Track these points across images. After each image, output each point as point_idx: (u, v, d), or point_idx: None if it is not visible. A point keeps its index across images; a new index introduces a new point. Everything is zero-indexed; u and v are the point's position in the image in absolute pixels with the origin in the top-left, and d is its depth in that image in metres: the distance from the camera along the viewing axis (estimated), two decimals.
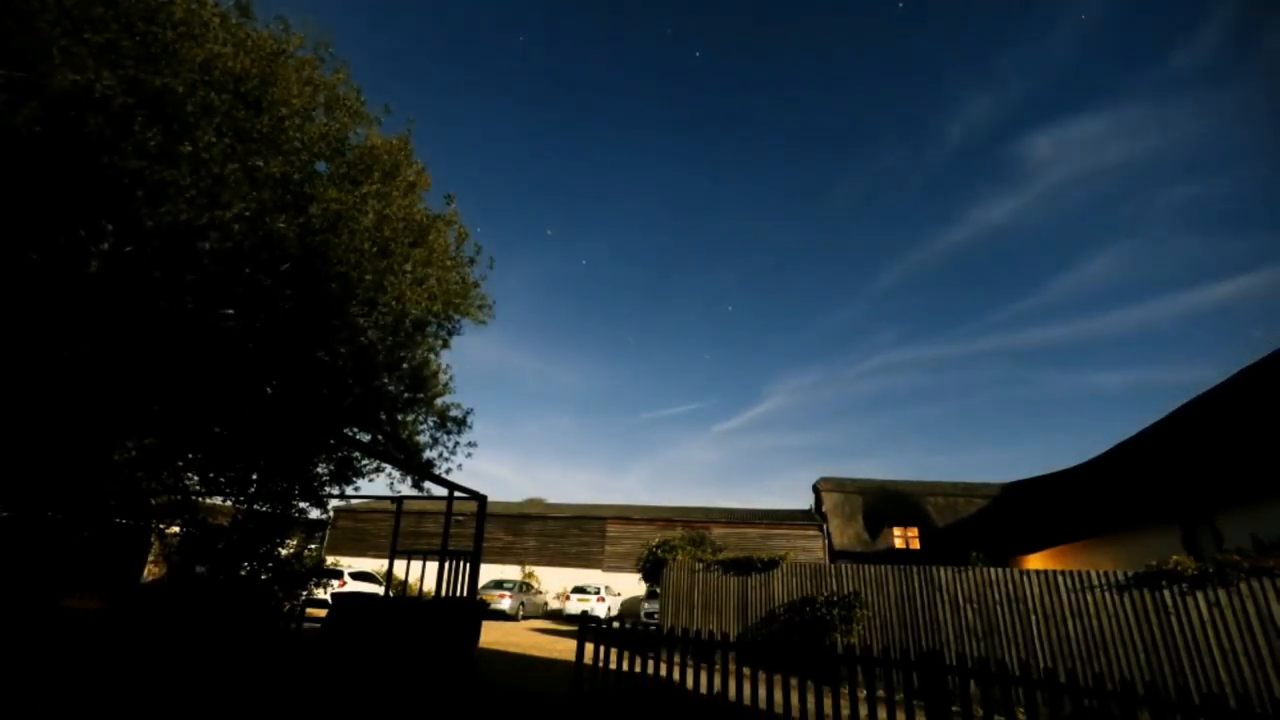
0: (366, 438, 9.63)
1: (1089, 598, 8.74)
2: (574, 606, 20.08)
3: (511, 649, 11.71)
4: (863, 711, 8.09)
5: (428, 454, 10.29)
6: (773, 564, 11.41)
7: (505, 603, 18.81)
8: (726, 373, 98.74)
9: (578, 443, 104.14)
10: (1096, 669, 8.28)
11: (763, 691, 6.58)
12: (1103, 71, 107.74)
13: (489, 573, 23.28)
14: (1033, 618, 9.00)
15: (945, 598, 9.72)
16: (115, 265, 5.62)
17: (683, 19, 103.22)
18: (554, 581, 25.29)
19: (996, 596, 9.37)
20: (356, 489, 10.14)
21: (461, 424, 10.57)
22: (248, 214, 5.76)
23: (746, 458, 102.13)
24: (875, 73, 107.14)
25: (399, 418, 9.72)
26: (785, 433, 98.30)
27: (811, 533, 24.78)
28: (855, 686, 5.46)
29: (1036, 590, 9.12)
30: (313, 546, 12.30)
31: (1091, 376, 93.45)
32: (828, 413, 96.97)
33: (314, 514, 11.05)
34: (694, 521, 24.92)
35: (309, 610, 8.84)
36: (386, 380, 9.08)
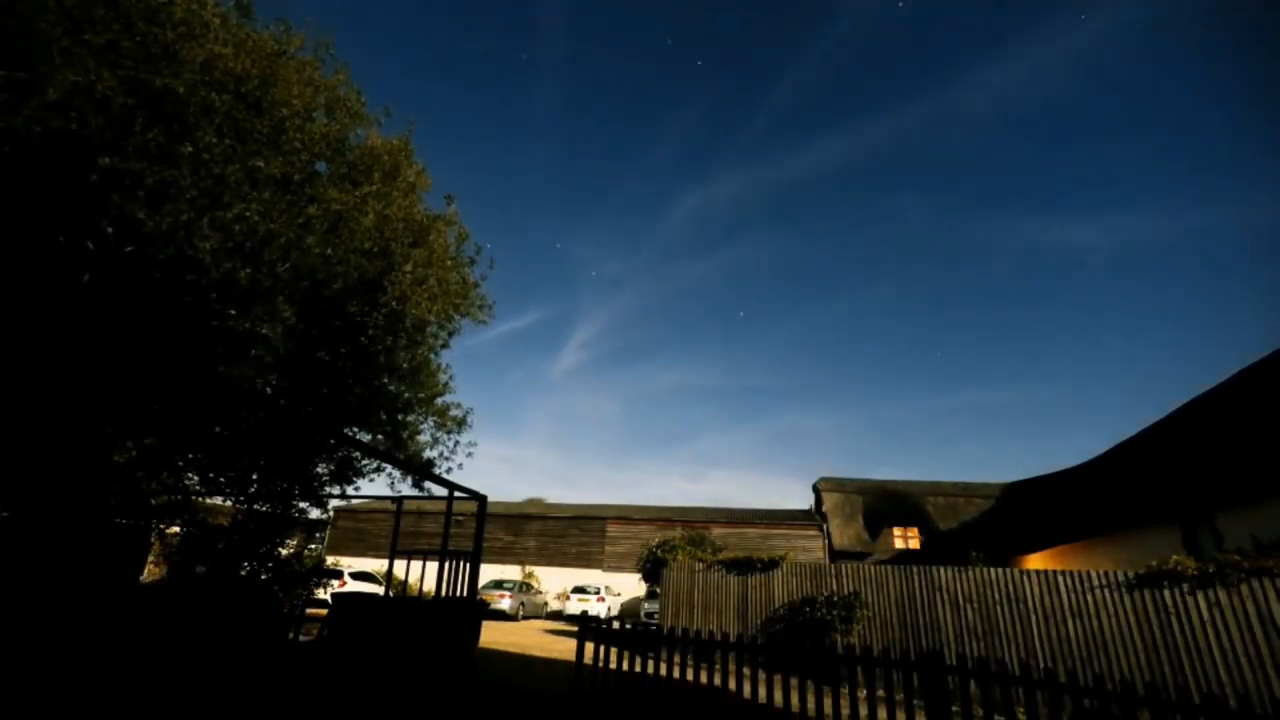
0: (367, 438, 9.63)
1: (1089, 598, 8.75)
2: (574, 606, 20.09)
3: (511, 649, 11.71)
4: (863, 711, 8.09)
5: (428, 454, 10.29)
6: (773, 564, 11.42)
7: (505, 603, 18.82)
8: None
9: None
10: (1096, 669, 8.28)
11: (763, 691, 6.58)
12: None
13: (489, 573, 23.29)
14: (1033, 618, 9.01)
15: (945, 598, 9.73)
16: (115, 266, 5.62)
17: (683, 29, 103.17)
18: (554, 581, 25.30)
19: (996, 596, 9.37)
20: (356, 489, 10.12)
21: (462, 424, 10.57)
22: (248, 214, 5.76)
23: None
24: None
25: (399, 418, 9.72)
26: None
27: (811, 533, 24.79)
28: (855, 686, 5.46)
29: (1036, 590, 9.12)
30: (313, 546, 12.30)
31: (1059, 232, 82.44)
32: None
33: (314, 514, 11.05)
34: (694, 521, 24.93)
35: (309, 610, 8.84)
36: (387, 380, 9.08)
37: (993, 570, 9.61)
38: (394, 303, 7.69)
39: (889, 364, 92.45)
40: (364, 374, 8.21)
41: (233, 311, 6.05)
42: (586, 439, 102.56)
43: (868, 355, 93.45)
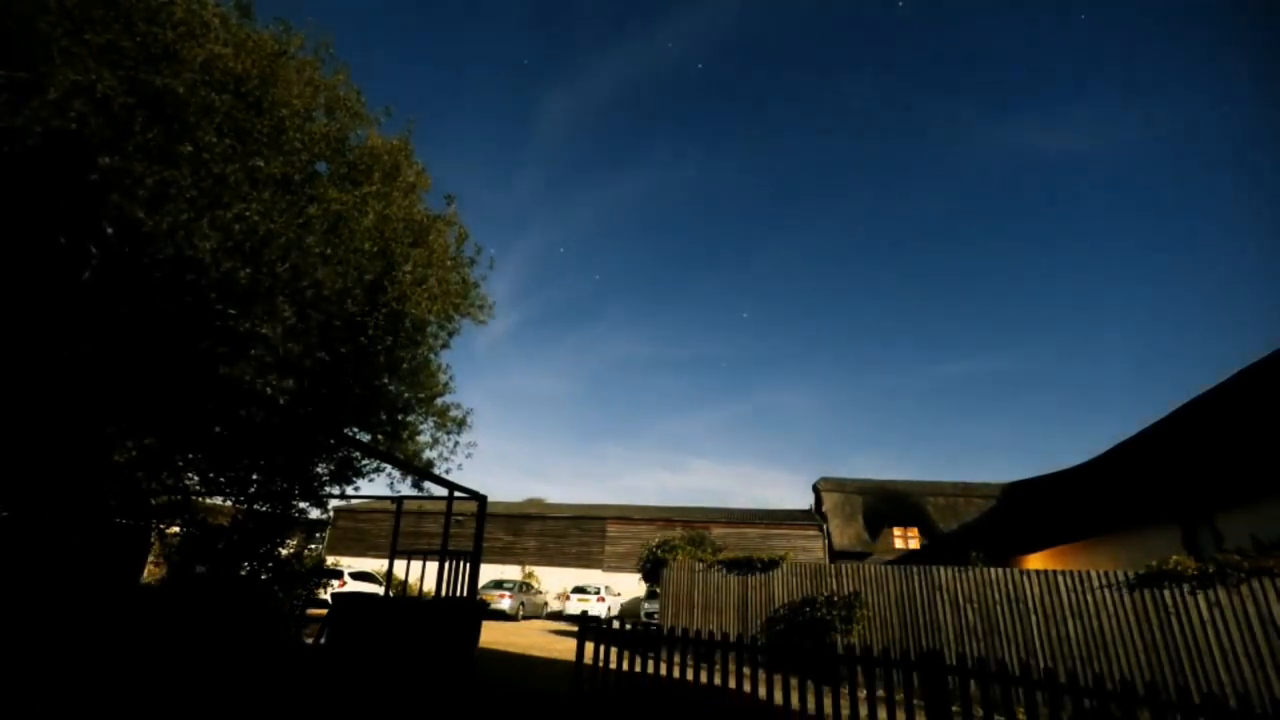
0: (367, 438, 9.63)
1: (1089, 598, 8.75)
2: (574, 606, 20.10)
3: (511, 649, 11.71)
4: (863, 711, 8.09)
5: (428, 454, 10.29)
6: (773, 564, 11.41)
7: (505, 603, 18.82)
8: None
9: None
10: (1096, 669, 8.28)
11: (763, 691, 6.58)
12: None
13: (489, 573, 23.29)
14: (1033, 618, 9.01)
15: (945, 598, 9.73)
16: (116, 265, 5.63)
17: (683, 38, 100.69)
18: (554, 581, 25.30)
19: (996, 596, 9.37)
20: (356, 489, 10.12)
21: (461, 424, 10.57)
22: (248, 214, 5.77)
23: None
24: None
25: (399, 418, 9.72)
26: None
27: (811, 533, 24.79)
28: (855, 686, 5.46)
29: (1036, 590, 9.12)
30: (313, 547, 12.29)
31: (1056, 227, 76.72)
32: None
33: (314, 514, 11.05)
34: (694, 521, 24.93)
35: (309, 610, 8.83)
36: (387, 380, 9.08)
37: (993, 570, 9.61)
38: (394, 303, 7.70)
39: (864, 333, 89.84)
40: (364, 374, 8.21)
41: (233, 311, 6.05)
42: (543, 427, 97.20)
43: (833, 317, 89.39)
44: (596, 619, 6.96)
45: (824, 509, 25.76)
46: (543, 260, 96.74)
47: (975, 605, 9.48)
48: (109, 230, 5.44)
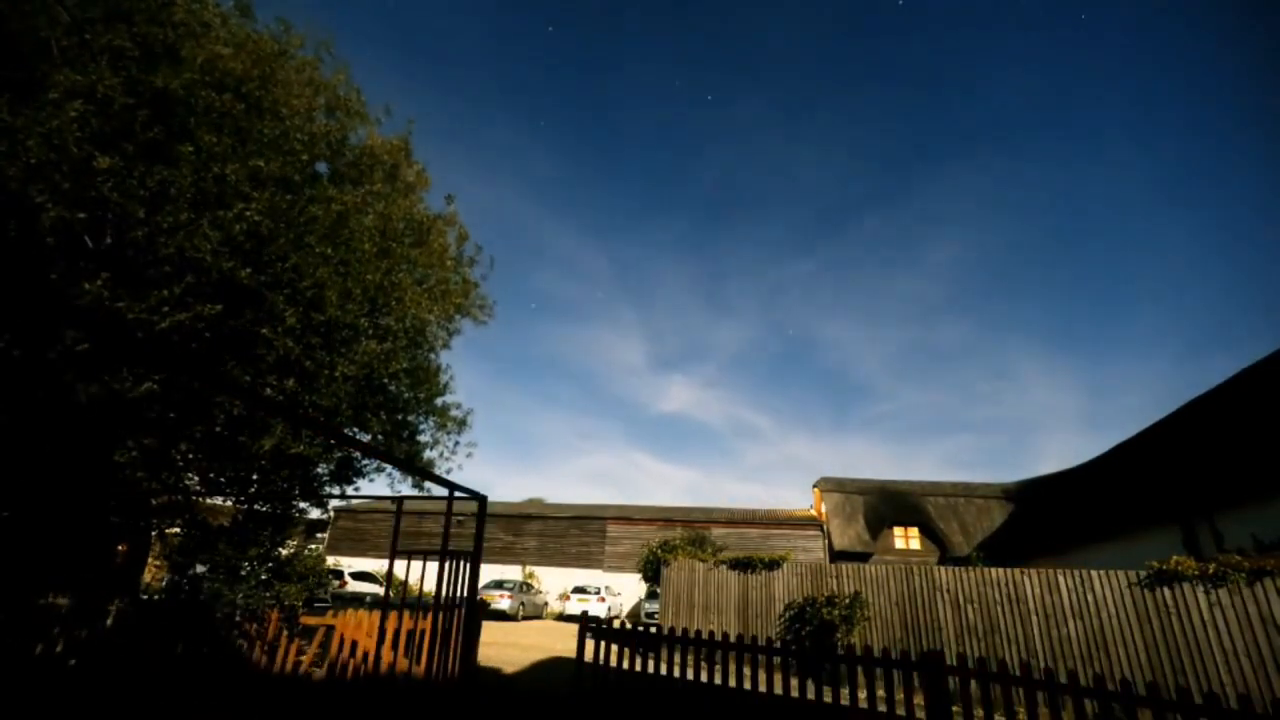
0: (366, 438, 9.63)
1: (1089, 597, 8.74)
2: (574, 606, 20.10)
3: (511, 648, 11.71)
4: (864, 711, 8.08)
5: (428, 454, 10.29)
6: (774, 564, 11.41)
7: (505, 603, 18.81)
8: None
9: None
10: (1097, 669, 8.28)
11: (764, 691, 6.57)
12: None
13: (489, 573, 23.28)
14: (1033, 618, 9.01)
15: (946, 598, 9.73)
16: (115, 265, 5.63)
17: (689, 59, 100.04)
18: (554, 581, 25.29)
19: (997, 596, 9.37)
20: (356, 489, 10.12)
21: (462, 424, 10.57)
22: (248, 213, 5.77)
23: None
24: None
25: (399, 418, 9.72)
26: None
27: (812, 533, 24.79)
28: (856, 686, 5.46)
29: (1037, 590, 9.12)
30: (313, 547, 12.29)
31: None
32: None
33: (314, 514, 11.03)
34: (694, 521, 24.93)
35: (304, 619, 8.82)
36: (387, 380, 9.08)
37: (993, 570, 9.61)
38: (394, 302, 7.70)
39: (864, 330, 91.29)
40: (365, 374, 8.21)
41: (233, 312, 6.05)
42: (545, 426, 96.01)
43: (836, 317, 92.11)
44: (597, 619, 6.96)
45: (824, 509, 25.76)
46: (543, 261, 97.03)
47: (976, 605, 9.48)
48: (109, 230, 5.44)
